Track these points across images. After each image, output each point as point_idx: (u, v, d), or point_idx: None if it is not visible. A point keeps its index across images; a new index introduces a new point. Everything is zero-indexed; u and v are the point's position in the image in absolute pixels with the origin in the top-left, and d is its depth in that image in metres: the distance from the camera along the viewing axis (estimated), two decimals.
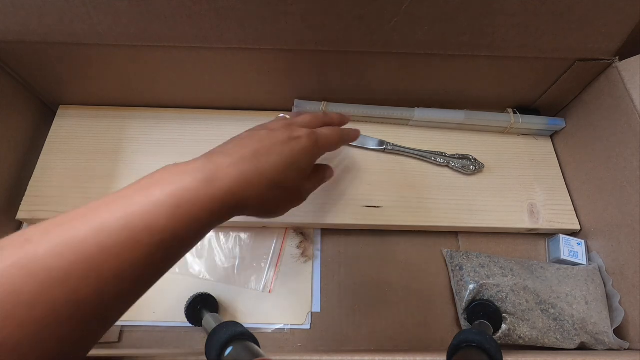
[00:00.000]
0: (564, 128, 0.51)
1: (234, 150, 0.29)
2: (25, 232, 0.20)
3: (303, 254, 0.46)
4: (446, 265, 0.46)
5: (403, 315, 0.44)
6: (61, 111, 0.50)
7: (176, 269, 0.44)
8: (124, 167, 0.47)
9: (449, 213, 0.46)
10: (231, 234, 0.46)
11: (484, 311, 0.40)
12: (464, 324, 0.42)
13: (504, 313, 0.40)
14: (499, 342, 0.40)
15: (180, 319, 0.41)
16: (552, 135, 0.53)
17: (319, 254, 0.46)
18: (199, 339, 0.41)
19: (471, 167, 0.47)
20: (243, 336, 0.30)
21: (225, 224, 0.46)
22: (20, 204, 0.44)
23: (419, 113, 0.50)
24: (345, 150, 0.50)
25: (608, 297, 0.42)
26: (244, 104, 0.51)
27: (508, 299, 0.40)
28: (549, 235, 0.48)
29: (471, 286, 0.41)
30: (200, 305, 0.40)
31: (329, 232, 0.47)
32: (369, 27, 0.39)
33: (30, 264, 0.18)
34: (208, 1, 0.37)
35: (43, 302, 0.18)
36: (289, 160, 0.31)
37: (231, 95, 0.50)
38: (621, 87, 0.41)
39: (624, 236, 0.41)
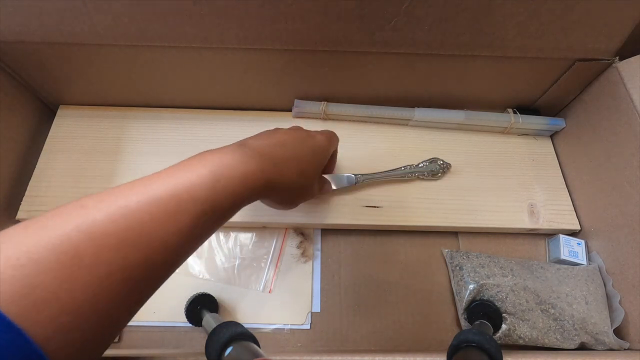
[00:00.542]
0: (564, 128, 0.51)
1: (265, 139, 0.32)
2: (80, 199, 0.21)
3: (303, 254, 0.46)
4: (446, 265, 0.46)
5: (403, 315, 0.44)
6: (61, 111, 0.50)
7: None
8: (124, 167, 0.47)
9: (449, 213, 0.46)
10: (231, 234, 0.46)
11: (484, 311, 0.40)
12: (464, 324, 0.42)
13: (504, 313, 0.40)
14: (499, 342, 0.40)
15: (180, 319, 0.41)
16: (552, 135, 0.53)
17: (319, 254, 0.46)
18: (199, 339, 0.41)
19: (439, 172, 0.47)
20: (243, 336, 0.30)
21: (225, 223, 0.46)
22: (20, 204, 0.44)
23: (419, 113, 0.50)
24: (344, 150, 0.50)
25: (608, 297, 0.42)
26: (244, 104, 0.51)
27: (508, 299, 0.40)
28: (549, 235, 0.48)
29: (471, 286, 0.41)
30: (200, 305, 0.40)
31: (329, 232, 0.47)
32: (369, 27, 0.39)
33: (90, 228, 0.19)
34: (208, 1, 0.36)
35: (101, 265, 0.19)
36: (310, 152, 0.35)
37: (231, 95, 0.50)
38: (621, 87, 0.41)
39: (624, 236, 0.41)
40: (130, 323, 0.41)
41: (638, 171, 0.39)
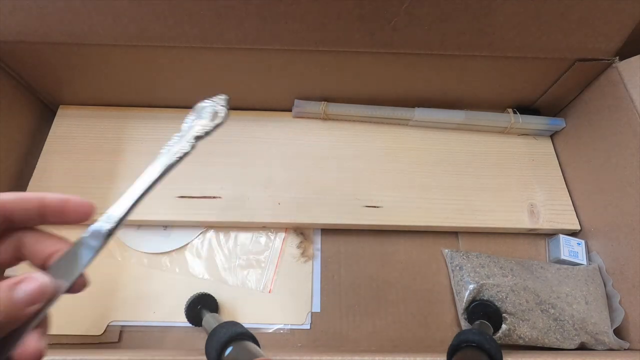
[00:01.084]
0: (564, 128, 0.51)
1: None
2: None
3: (303, 254, 0.46)
4: (446, 265, 0.46)
5: (403, 315, 0.43)
6: (61, 111, 0.50)
7: (176, 269, 0.44)
8: (124, 167, 0.47)
9: (449, 213, 0.46)
10: (231, 234, 0.46)
11: (484, 311, 0.40)
12: (464, 324, 0.42)
13: (504, 313, 0.40)
14: (499, 342, 0.40)
15: (180, 319, 0.41)
16: (552, 135, 0.53)
17: (319, 254, 0.46)
18: (199, 339, 0.41)
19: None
20: (243, 336, 0.30)
21: (225, 223, 0.45)
22: None
23: (419, 113, 0.50)
24: (345, 150, 0.50)
25: (608, 297, 0.42)
26: (244, 104, 0.51)
27: (508, 299, 0.40)
28: (549, 235, 0.48)
29: (471, 286, 0.41)
30: (200, 305, 0.40)
31: (329, 232, 0.47)
32: (369, 27, 0.39)
33: None
34: (208, 1, 0.37)
35: None
36: None
37: (231, 95, 0.50)
38: (621, 87, 0.41)
39: (624, 236, 0.41)
40: (130, 323, 0.41)
41: (638, 171, 0.39)
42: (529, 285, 0.41)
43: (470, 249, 0.47)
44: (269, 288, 0.44)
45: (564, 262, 0.45)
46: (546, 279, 0.42)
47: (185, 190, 0.46)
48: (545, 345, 0.40)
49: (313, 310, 0.43)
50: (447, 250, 0.46)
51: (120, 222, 0.22)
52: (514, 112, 0.51)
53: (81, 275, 0.21)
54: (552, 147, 0.52)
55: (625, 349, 0.39)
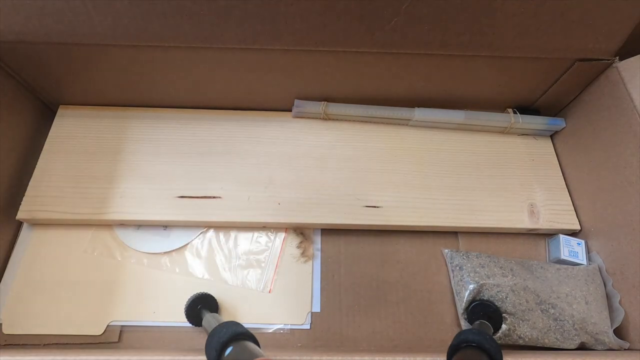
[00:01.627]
0: (564, 128, 0.51)
1: None
2: None
3: (303, 254, 0.46)
4: (446, 265, 0.46)
5: (403, 315, 0.44)
6: (61, 111, 0.50)
7: (176, 269, 0.44)
8: (124, 167, 0.47)
9: (449, 213, 0.46)
10: (231, 234, 0.46)
11: (484, 311, 0.40)
12: (464, 324, 0.42)
13: (504, 313, 0.40)
14: (499, 342, 0.40)
15: (180, 319, 0.41)
16: (552, 135, 0.53)
17: (319, 254, 0.46)
18: (199, 339, 0.41)
19: None
20: (243, 336, 0.30)
21: (225, 223, 0.46)
22: (20, 204, 0.44)
23: (419, 113, 0.50)
24: (345, 150, 0.50)
25: (608, 297, 0.42)
26: (244, 104, 0.51)
27: (508, 299, 0.40)
28: (549, 235, 0.48)
29: (471, 286, 0.41)
30: (200, 305, 0.40)
31: (329, 232, 0.47)
32: (369, 27, 0.39)
33: None
34: (208, 1, 0.37)
35: None
36: None
37: (231, 95, 0.50)
38: (621, 87, 0.41)
39: (624, 236, 0.41)
40: (130, 323, 0.41)
41: (638, 171, 0.39)
42: (529, 285, 0.41)
43: (470, 249, 0.47)
44: (269, 288, 0.44)
45: (564, 262, 0.45)
46: (546, 279, 0.42)
47: (185, 190, 0.46)
48: (545, 345, 0.40)
49: (313, 310, 0.43)
50: (447, 250, 0.46)
51: None
52: (514, 112, 0.51)
53: None
54: (552, 147, 0.52)
55: (625, 349, 0.39)
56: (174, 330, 0.41)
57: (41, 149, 0.47)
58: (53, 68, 0.44)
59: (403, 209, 0.46)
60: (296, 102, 0.50)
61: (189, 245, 0.45)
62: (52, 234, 0.45)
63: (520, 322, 0.40)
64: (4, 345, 0.40)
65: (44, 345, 0.40)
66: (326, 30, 0.39)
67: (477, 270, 0.42)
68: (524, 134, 0.52)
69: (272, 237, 0.46)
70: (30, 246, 0.44)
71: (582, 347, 0.40)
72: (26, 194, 0.44)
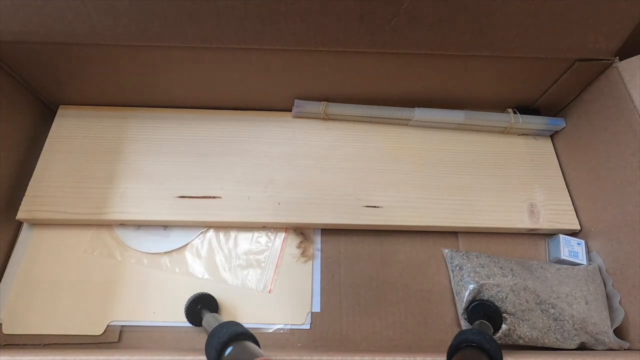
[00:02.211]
0: (564, 128, 0.51)
1: None
2: None
3: (303, 254, 0.46)
4: (446, 265, 0.46)
5: (403, 315, 0.44)
6: (61, 111, 0.50)
7: (176, 269, 0.44)
8: (124, 167, 0.47)
9: (449, 213, 0.46)
10: (231, 234, 0.46)
11: (484, 311, 0.40)
12: (464, 324, 0.42)
13: (504, 313, 0.40)
14: (499, 342, 0.40)
15: (180, 319, 0.41)
16: (552, 135, 0.53)
17: (319, 254, 0.46)
18: (199, 339, 0.41)
19: None
20: (243, 336, 0.30)
21: (225, 223, 0.45)
22: (20, 204, 0.44)
23: (419, 113, 0.50)
24: (345, 150, 0.50)
25: (608, 297, 0.42)
26: (244, 104, 0.51)
27: (508, 299, 0.40)
28: (549, 235, 0.48)
29: (471, 286, 0.41)
30: (200, 305, 0.40)
31: (329, 232, 0.47)
32: (369, 27, 0.39)
33: None
34: (208, 1, 0.37)
35: None
36: None
37: (231, 95, 0.50)
38: (621, 87, 0.41)
39: (624, 236, 0.41)
40: (130, 323, 0.41)
41: (638, 171, 0.39)
42: (529, 285, 0.41)
43: (470, 249, 0.47)
44: (269, 288, 0.44)
45: (564, 262, 0.45)
46: (546, 279, 0.42)
47: (185, 190, 0.46)
48: (545, 345, 0.40)
49: (313, 310, 0.43)
50: (447, 250, 0.46)
51: None
52: (514, 112, 0.51)
53: None
54: (552, 147, 0.52)
55: (625, 349, 0.39)
56: (174, 330, 0.41)
57: (41, 149, 0.47)
58: (53, 68, 0.44)
59: (403, 209, 0.46)
60: (296, 102, 0.50)
61: (189, 245, 0.45)
62: (52, 234, 0.45)
63: (520, 322, 0.40)
64: (4, 345, 0.40)
65: (44, 345, 0.40)
66: (326, 30, 0.39)
67: (477, 270, 0.42)
68: (524, 134, 0.52)
69: (272, 237, 0.46)
70: (30, 246, 0.44)
71: (582, 347, 0.40)
72: (26, 194, 0.44)
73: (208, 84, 0.47)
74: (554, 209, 0.47)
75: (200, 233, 0.46)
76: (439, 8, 0.37)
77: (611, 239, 0.43)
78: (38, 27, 0.38)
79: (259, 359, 0.27)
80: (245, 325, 0.31)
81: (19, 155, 0.46)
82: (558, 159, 0.51)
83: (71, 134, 0.49)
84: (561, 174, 0.50)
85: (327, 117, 0.51)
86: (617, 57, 0.42)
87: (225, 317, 0.42)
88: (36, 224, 0.45)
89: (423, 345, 0.42)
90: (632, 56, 0.42)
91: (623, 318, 0.40)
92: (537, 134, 0.52)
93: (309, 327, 0.42)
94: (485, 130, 0.52)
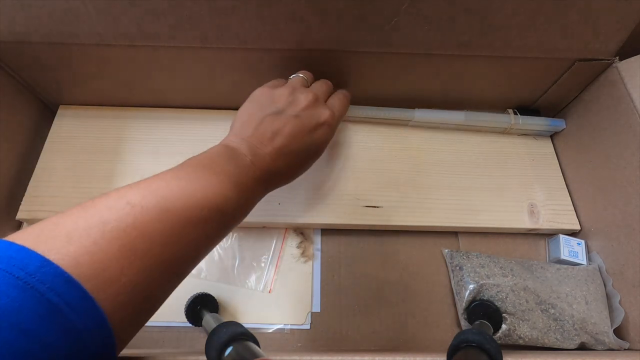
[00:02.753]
0: (564, 128, 0.51)
1: (271, 144, 0.34)
2: (124, 195, 0.25)
3: (303, 254, 0.46)
4: (446, 265, 0.46)
5: (403, 315, 0.44)
6: (61, 111, 0.50)
7: None
8: (124, 167, 0.47)
9: (449, 213, 0.46)
10: (231, 233, 0.46)
11: (484, 311, 0.40)
12: (464, 324, 0.42)
13: (504, 313, 0.40)
14: (499, 342, 0.40)
15: (180, 319, 0.41)
16: (552, 135, 0.53)
17: (319, 254, 0.46)
18: (199, 339, 0.41)
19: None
20: (243, 336, 0.30)
21: None
22: (20, 204, 0.44)
23: (419, 114, 0.50)
24: (344, 150, 0.50)
25: (608, 297, 0.42)
26: None
27: (508, 299, 0.40)
28: (549, 235, 0.48)
29: (471, 286, 0.41)
30: (200, 305, 0.40)
31: (329, 232, 0.47)
32: (369, 27, 0.39)
33: (143, 226, 0.23)
34: (208, 1, 0.36)
35: (151, 257, 0.23)
36: (313, 147, 0.37)
37: (231, 95, 0.50)
38: (621, 87, 0.41)
39: (624, 236, 0.41)
40: None
41: (638, 171, 0.39)
42: (529, 285, 0.41)
43: (470, 249, 0.47)
44: (269, 288, 0.44)
45: (564, 262, 0.45)
46: (546, 279, 0.42)
47: None
48: (545, 345, 0.40)
49: (313, 310, 0.43)
50: (447, 250, 0.46)
51: None
52: (515, 113, 0.51)
53: None
54: (552, 147, 0.52)
55: (625, 349, 0.39)
56: (174, 330, 0.41)
57: (41, 149, 0.47)
58: (53, 68, 0.44)
59: (403, 209, 0.46)
60: None
61: None
62: None
63: (520, 322, 0.40)
64: None
65: None
66: (326, 30, 0.39)
67: (477, 270, 0.42)
68: (524, 134, 0.52)
69: (272, 237, 0.46)
70: None
71: (582, 347, 0.40)
72: (26, 194, 0.44)
73: (208, 84, 0.47)
74: (554, 209, 0.47)
75: None
76: (439, 8, 0.37)
77: (611, 239, 0.43)
78: (38, 27, 0.38)
79: (259, 359, 0.27)
80: (245, 325, 0.31)
81: (19, 156, 0.46)
82: (558, 159, 0.51)
83: (71, 134, 0.49)
84: (561, 174, 0.50)
85: None
86: (617, 57, 0.42)
87: (225, 317, 0.42)
88: None
89: (423, 345, 0.42)
90: (632, 56, 0.42)
91: (623, 318, 0.40)
92: (537, 134, 0.52)
93: (309, 327, 0.42)
94: (485, 130, 0.52)
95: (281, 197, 0.46)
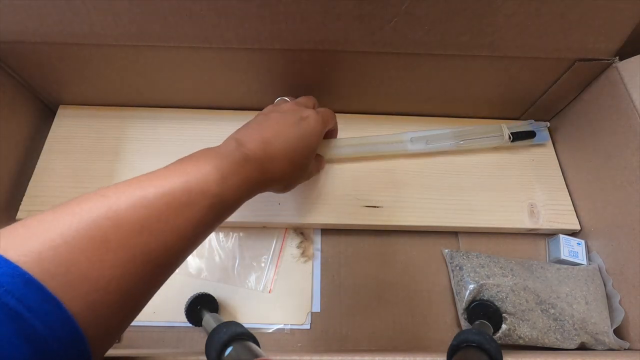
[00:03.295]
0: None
1: (258, 134, 0.34)
2: (99, 190, 0.23)
3: (303, 254, 0.46)
4: (446, 265, 0.46)
5: (403, 315, 0.44)
6: (61, 111, 0.50)
7: None
8: (124, 167, 0.47)
9: (449, 213, 0.46)
10: (231, 233, 0.46)
11: (484, 311, 0.40)
12: (464, 324, 0.42)
13: (504, 313, 0.40)
14: (499, 342, 0.40)
15: (180, 319, 0.41)
16: (552, 136, 0.53)
17: (319, 254, 0.46)
18: (199, 339, 0.41)
19: None
20: (243, 336, 0.30)
21: (225, 223, 0.45)
22: (20, 204, 0.44)
23: (412, 146, 0.48)
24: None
25: (608, 297, 0.42)
26: (244, 104, 0.51)
27: (508, 299, 0.40)
28: (549, 235, 0.48)
29: (471, 286, 0.41)
30: (200, 305, 0.40)
31: (329, 232, 0.47)
32: (369, 27, 0.39)
33: (116, 215, 0.22)
34: (208, 1, 0.36)
35: (126, 249, 0.22)
36: (300, 139, 0.36)
37: (231, 95, 0.50)
38: (621, 87, 0.41)
39: (624, 236, 0.41)
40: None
41: (638, 171, 0.39)
42: (529, 285, 0.41)
43: (470, 249, 0.47)
44: (269, 288, 0.44)
45: (564, 262, 0.45)
46: (546, 279, 0.42)
47: None
48: (545, 345, 0.40)
49: (313, 310, 0.43)
50: (447, 250, 0.46)
51: None
52: (509, 138, 0.49)
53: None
54: (552, 147, 0.52)
55: (625, 349, 0.39)
56: (174, 330, 0.41)
57: (41, 149, 0.47)
58: (53, 68, 0.44)
59: (403, 209, 0.46)
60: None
61: None
62: None
63: (520, 322, 0.40)
64: None
65: None
66: (326, 30, 0.39)
67: (477, 270, 0.42)
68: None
69: (272, 237, 0.46)
70: None
71: (582, 347, 0.40)
72: (26, 194, 0.44)
73: (208, 84, 0.47)
74: (554, 209, 0.47)
75: None
76: (439, 8, 0.37)
77: (611, 239, 0.43)
78: (38, 27, 0.38)
79: (259, 359, 0.27)
80: (245, 325, 0.31)
81: (19, 155, 0.46)
82: (558, 159, 0.51)
83: (71, 134, 0.49)
84: (561, 174, 0.50)
85: None
86: (617, 57, 0.42)
87: (225, 317, 0.42)
88: None
89: (423, 345, 0.42)
90: (632, 56, 0.42)
91: (623, 318, 0.40)
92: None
93: (309, 327, 0.42)
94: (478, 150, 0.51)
95: (281, 197, 0.46)
